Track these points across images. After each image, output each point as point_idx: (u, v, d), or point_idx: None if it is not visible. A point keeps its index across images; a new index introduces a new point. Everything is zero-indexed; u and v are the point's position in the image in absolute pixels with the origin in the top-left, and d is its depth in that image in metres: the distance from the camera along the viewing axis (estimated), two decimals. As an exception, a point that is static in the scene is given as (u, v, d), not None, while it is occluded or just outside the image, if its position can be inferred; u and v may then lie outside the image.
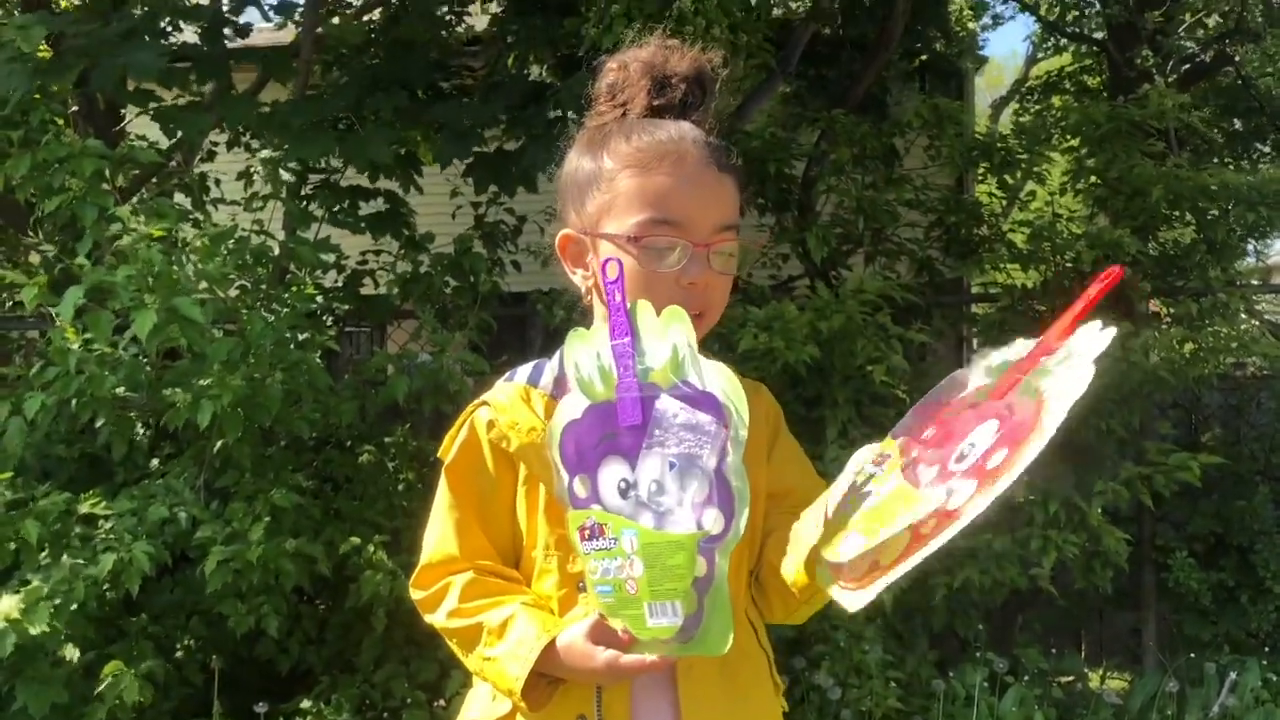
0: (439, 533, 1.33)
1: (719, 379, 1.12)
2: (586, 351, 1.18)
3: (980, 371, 1.18)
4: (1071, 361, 1.06)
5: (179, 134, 4.17)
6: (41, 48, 3.71)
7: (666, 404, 1.13)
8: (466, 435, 1.32)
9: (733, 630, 1.11)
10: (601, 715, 1.23)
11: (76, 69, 3.68)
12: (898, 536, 1.05)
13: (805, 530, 1.17)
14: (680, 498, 1.11)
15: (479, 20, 5.76)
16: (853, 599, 1.08)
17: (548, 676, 1.21)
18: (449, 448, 1.34)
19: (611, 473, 1.15)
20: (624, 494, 1.14)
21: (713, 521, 1.10)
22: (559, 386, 1.31)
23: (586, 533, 1.15)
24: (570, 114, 4.12)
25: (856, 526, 1.10)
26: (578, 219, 1.30)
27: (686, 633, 1.11)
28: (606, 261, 1.19)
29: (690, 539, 1.10)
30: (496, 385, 1.36)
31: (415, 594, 1.34)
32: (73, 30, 3.68)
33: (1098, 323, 1.08)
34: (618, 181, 1.25)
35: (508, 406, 1.30)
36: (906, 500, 1.07)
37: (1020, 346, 1.16)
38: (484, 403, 1.33)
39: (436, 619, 1.31)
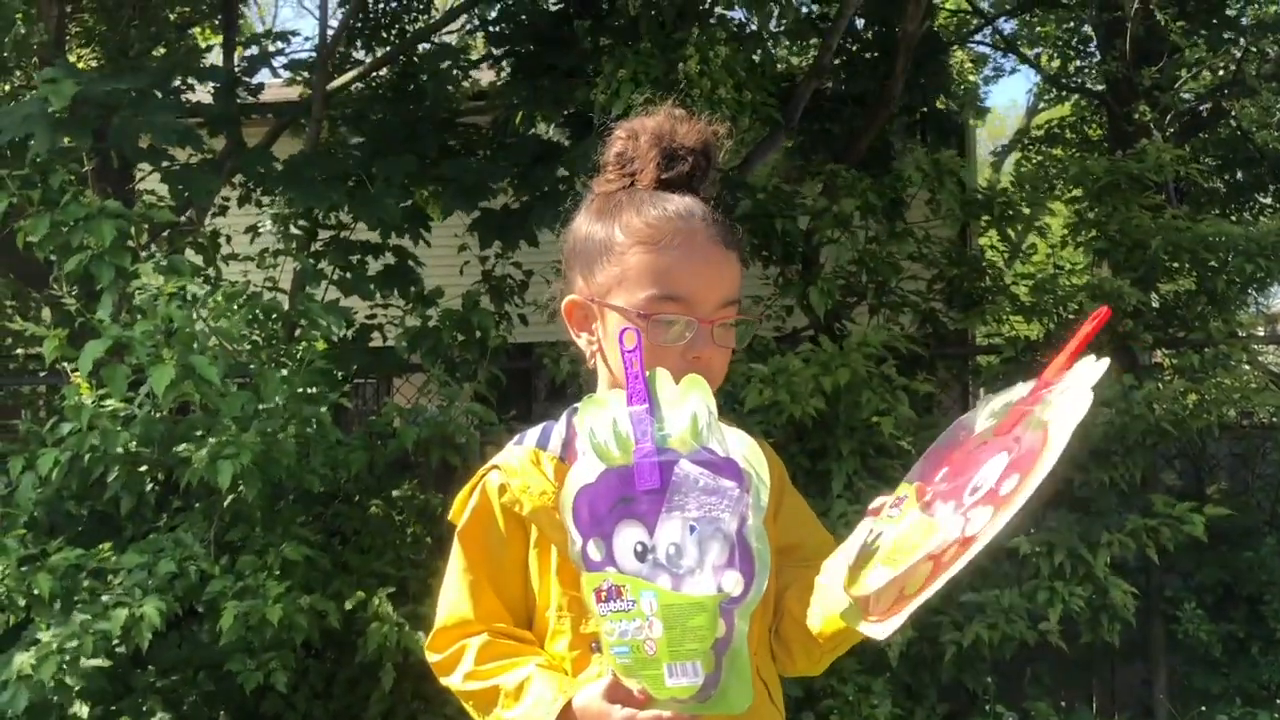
0: (454, 596, 1.34)
1: (740, 445, 1.15)
2: (602, 417, 1.20)
3: (985, 415, 1.23)
4: (1070, 391, 1.12)
5: (187, 194, 4.23)
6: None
7: (686, 469, 1.15)
8: (478, 500, 1.34)
9: (752, 688, 1.13)
10: None
11: (94, 124, 3.74)
12: (920, 566, 1.09)
13: (829, 579, 1.21)
14: (700, 560, 1.13)
15: (485, 74, 5.87)
16: (880, 629, 1.11)
17: None
18: (460, 512, 1.36)
19: (628, 536, 1.16)
20: (641, 557, 1.15)
21: (733, 584, 1.12)
22: (567, 450, 1.33)
23: (603, 594, 1.16)
24: (579, 176, 4.18)
25: (879, 560, 1.14)
26: (586, 286, 1.33)
27: (705, 692, 1.13)
28: (624, 331, 1.21)
29: (711, 600, 1.12)
30: (506, 449, 1.38)
31: (431, 657, 1.35)
32: (92, 88, 3.74)
33: (1091, 356, 1.15)
34: (628, 256, 1.28)
35: (519, 470, 1.32)
36: (926, 531, 1.12)
37: (1021, 388, 1.22)
38: (495, 466, 1.35)
39: (453, 682, 1.32)
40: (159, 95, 4.13)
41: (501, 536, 1.32)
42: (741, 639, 1.12)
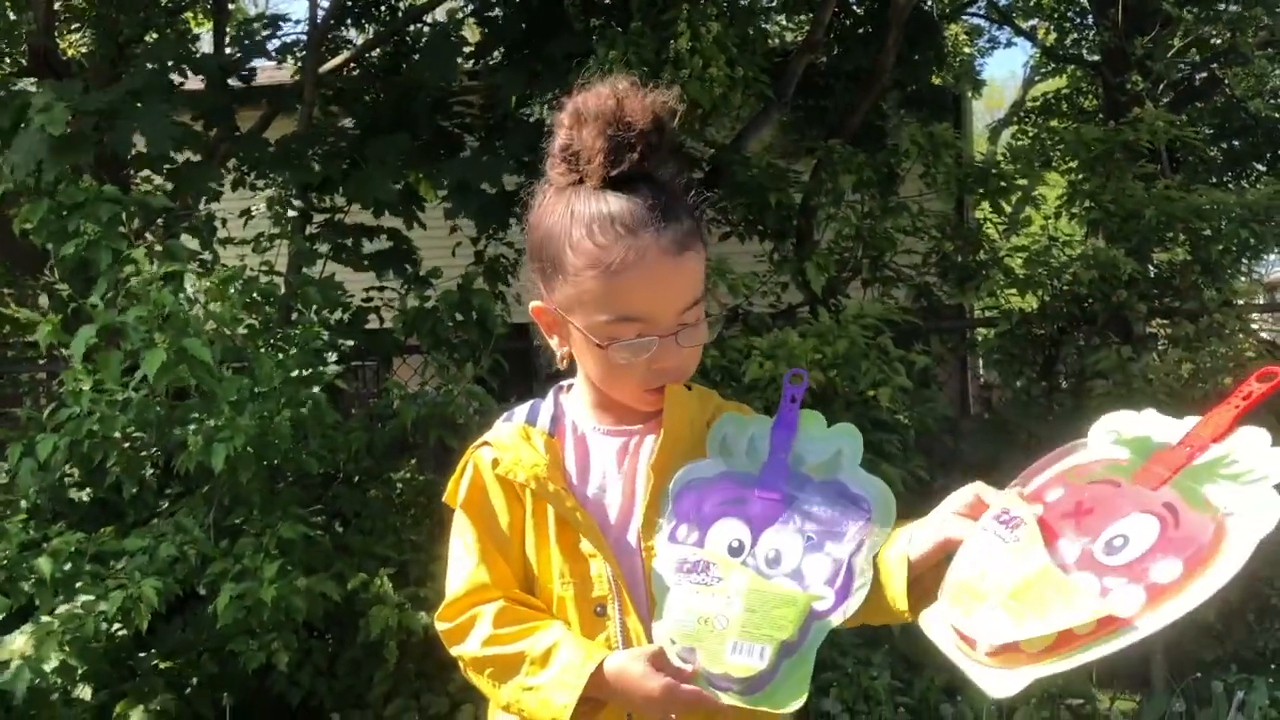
0: (466, 566, 1.34)
1: (874, 487, 1.19)
2: (739, 428, 1.28)
3: (1106, 437, 1.12)
4: (1248, 479, 0.97)
5: (188, 190, 4.23)
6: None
7: (819, 489, 1.20)
8: (472, 475, 1.36)
9: (803, 696, 1.12)
10: None
11: (94, 140, 3.75)
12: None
13: (895, 562, 1.18)
14: (797, 570, 1.15)
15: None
16: (998, 684, 1.01)
17: (588, 704, 1.22)
18: (455, 491, 1.38)
19: (726, 529, 1.20)
20: (734, 552, 1.18)
21: (823, 602, 1.14)
22: (556, 425, 1.37)
23: (687, 566, 1.19)
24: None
25: (1001, 605, 1.02)
26: (548, 297, 1.32)
27: (757, 684, 1.13)
28: (791, 374, 1.30)
29: (806, 599, 1.14)
30: (496, 426, 1.40)
31: (441, 626, 1.35)
32: (85, 105, 3.75)
33: (1264, 433, 1.00)
34: (581, 280, 1.25)
35: (509, 445, 1.34)
36: (1058, 589, 0.99)
37: (1156, 421, 1.09)
38: (485, 443, 1.37)
39: (468, 648, 1.30)
40: (154, 97, 4.11)
41: (499, 508, 1.34)
42: (811, 650, 1.13)
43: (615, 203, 1.24)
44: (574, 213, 1.26)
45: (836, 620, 1.12)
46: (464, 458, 1.39)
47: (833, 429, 1.25)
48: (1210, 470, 1.00)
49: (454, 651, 1.33)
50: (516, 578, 1.33)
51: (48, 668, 2.99)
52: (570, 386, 1.42)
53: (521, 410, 1.41)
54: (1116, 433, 1.11)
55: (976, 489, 1.15)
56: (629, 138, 1.24)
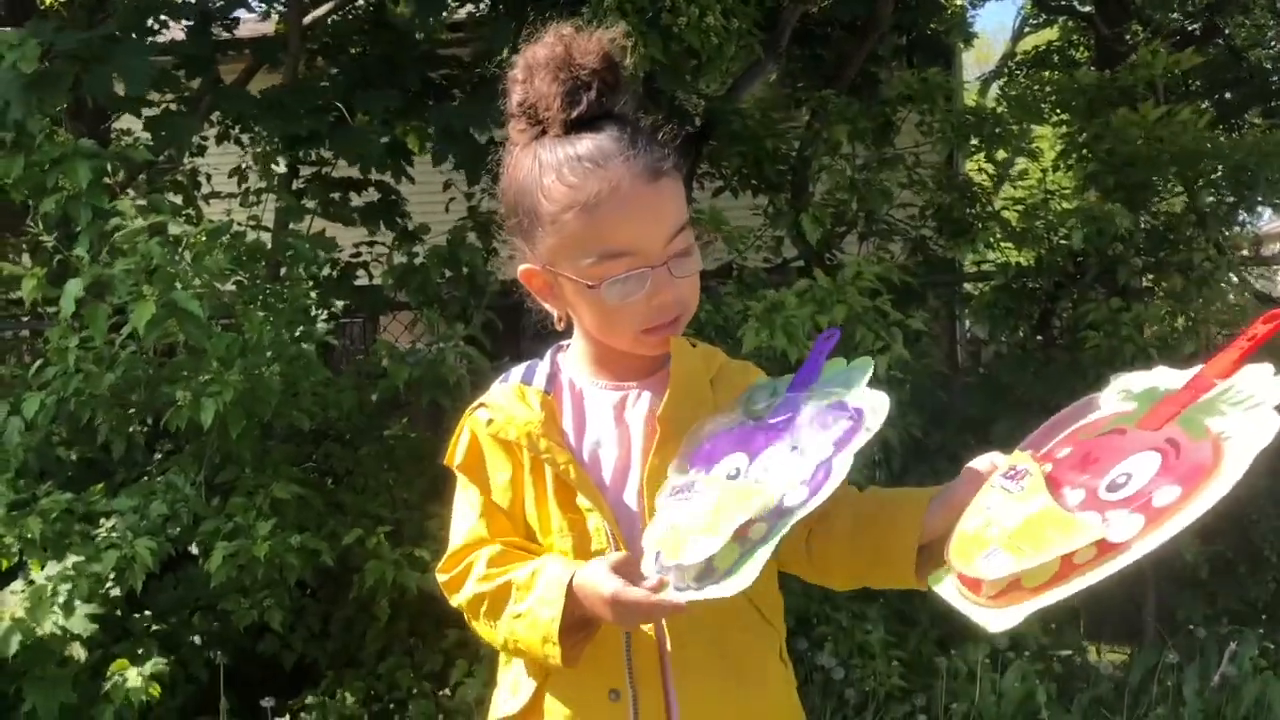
0: (465, 521, 1.35)
1: (869, 397, 1.18)
2: (767, 386, 1.30)
3: (1117, 395, 1.13)
4: (1248, 404, 0.98)
5: (169, 140, 4.14)
6: None
7: (819, 410, 1.19)
8: (469, 436, 1.37)
9: (748, 581, 1.09)
10: (635, 688, 1.25)
11: (68, 80, 3.65)
12: (1048, 561, 0.99)
13: (907, 529, 1.18)
14: (782, 475, 1.14)
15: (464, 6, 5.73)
16: (998, 619, 1.02)
17: (580, 634, 1.22)
18: (453, 453, 1.38)
19: (727, 462, 1.20)
20: (730, 479, 1.18)
21: (796, 498, 1.11)
22: (552, 383, 1.37)
23: (674, 490, 1.21)
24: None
25: (1000, 544, 1.04)
26: (533, 255, 1.30)
27: (710, 577, 1.11)
28: (828, 332, 1.28)
29: (772, 492, 1.13)
30: (492, 387, 1.40)
31: (441, 578, 1.36)
32: (62, 41, 3.64)
33: (1269, 366, 1.01)
34: (561, 225, 1.23)
35: (504, 405, 1.34)
36: (1059, 524, 1.00)
37: (1166, 374, 1.10)
38: (481, 404, 1.37)
39: (465, 592, 1.31)
40: (132, 38, 4.01)
41: (496, 467, 1.33)
42: (772, 541, 1.10)
43: (581, 143, 1.23)
44: (541, 162, 1.24)
45: (802, 512, 1.10)
46: (461, 420, 1.39)
47: (852, 364, 1.23)
48: (1213, 404, 1.01)
49: (454, 601, 1.34)
50: (518, 532, 1.33)
51: (41, 632, 2.97)
52: (568, 347, 1.41)
53: (518, 370, 1.40)
54: (1126, 390, 1.12)
55: (992, 457, 1.16)
56: (582, 77, 1.23)
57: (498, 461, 1.33)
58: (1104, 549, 0.97)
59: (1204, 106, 7.98)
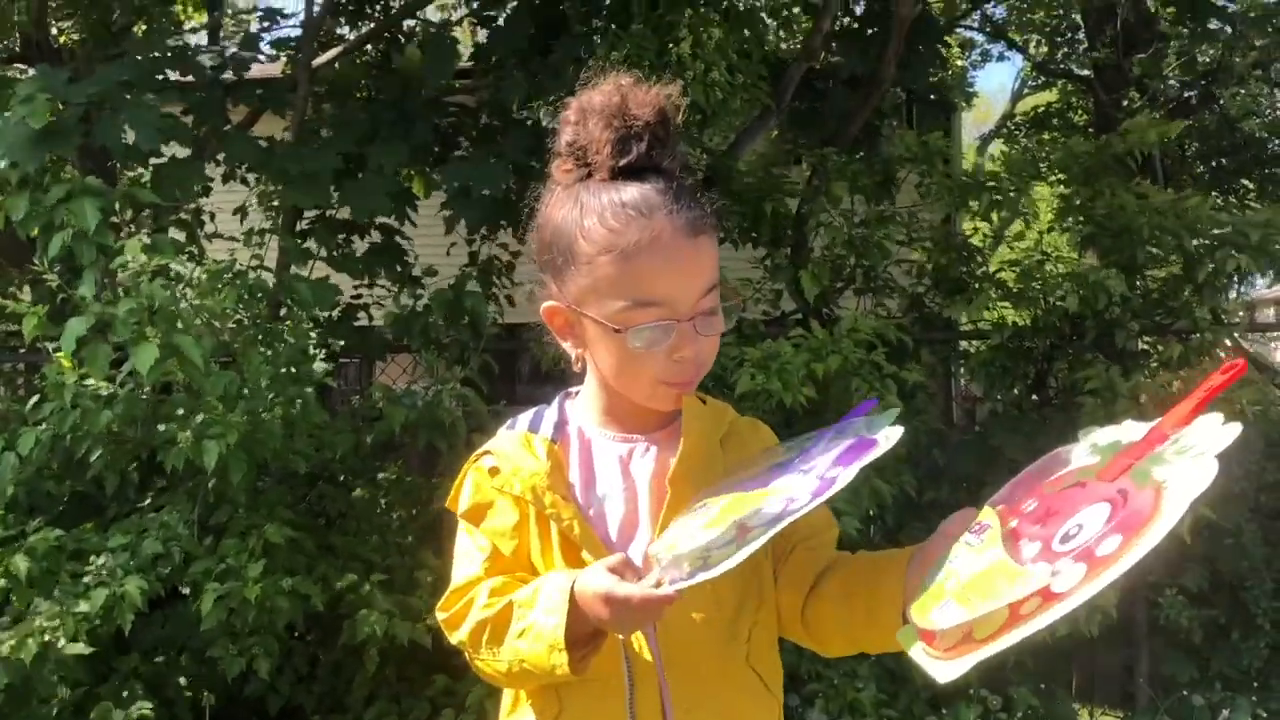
0: (467, 563, 1.34)
1: (882, 422, 1.20)
2: (794, 446, 1.31)
3: (1085, 449, 1.15)
4: (1192, 453, 1.01)
5: (174, 187, 4.16)
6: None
7: (830, 442, 1.22)
8: (473, 483, 1.36)
9: (738, 564, 1.09)
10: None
11: (78, 136, 3.68)
12: (996, 612, 1.02)
13: (888, 588, 1.19)
14: (789, 484, 1.16)
15: (468, 44, 5.78)
16: (944, 670, 1.04)
17: (588, 647, 1.21)
18: (457, 498, 1.37)
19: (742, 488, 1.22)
20: (741, 490, 1.20)
21: (798, 501, 1.12)
22: (559, 432, 1.36)
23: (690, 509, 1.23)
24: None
25: (953, 595, 1.07)
26: (560, 292, 1.30)
27: (706, 569, 1.11)
28: (869, 402, 1.29)
29: (774, 493, 1.15)
30: (499, 433, 1.39)
31: (441, 615, 1.34)
32: (73, 95, 3.68)
33: (1219, 415, 1.04)
34: (596, 266, 1.24)
35: (510, 454, 1.33)
36: (1008, 575, 1.03)
37: (1131, 428, 1.13)
38: (487, 451, 1.36)
39: (467, 624, 1.29)
40: (141, 90, 4.04)
41: (502, 515, 1.33)
42: (765, 538, 1.10)
43: (626, 190, 1.24)
44: (584, 204, 1.25)
45: (802, 512, 1.11)
46: (466, 465, 1.38)
47: (883, 413, 1.24)
48: (1162, 455, 1.04)
49: (454, 638, 1.32)
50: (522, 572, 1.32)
51: (27, 671, 2.94)
52: (577, 394, 1.41)
53: (525, 417, 1.39)
54: (1094, 444, 1.15)
55: (966, 514, 1.17)
56: (635, 129, 1.24)
57: (503, 508, 1.32)
58: (1047, 598, 0.99)
59: (1201, 172, 8.09)
